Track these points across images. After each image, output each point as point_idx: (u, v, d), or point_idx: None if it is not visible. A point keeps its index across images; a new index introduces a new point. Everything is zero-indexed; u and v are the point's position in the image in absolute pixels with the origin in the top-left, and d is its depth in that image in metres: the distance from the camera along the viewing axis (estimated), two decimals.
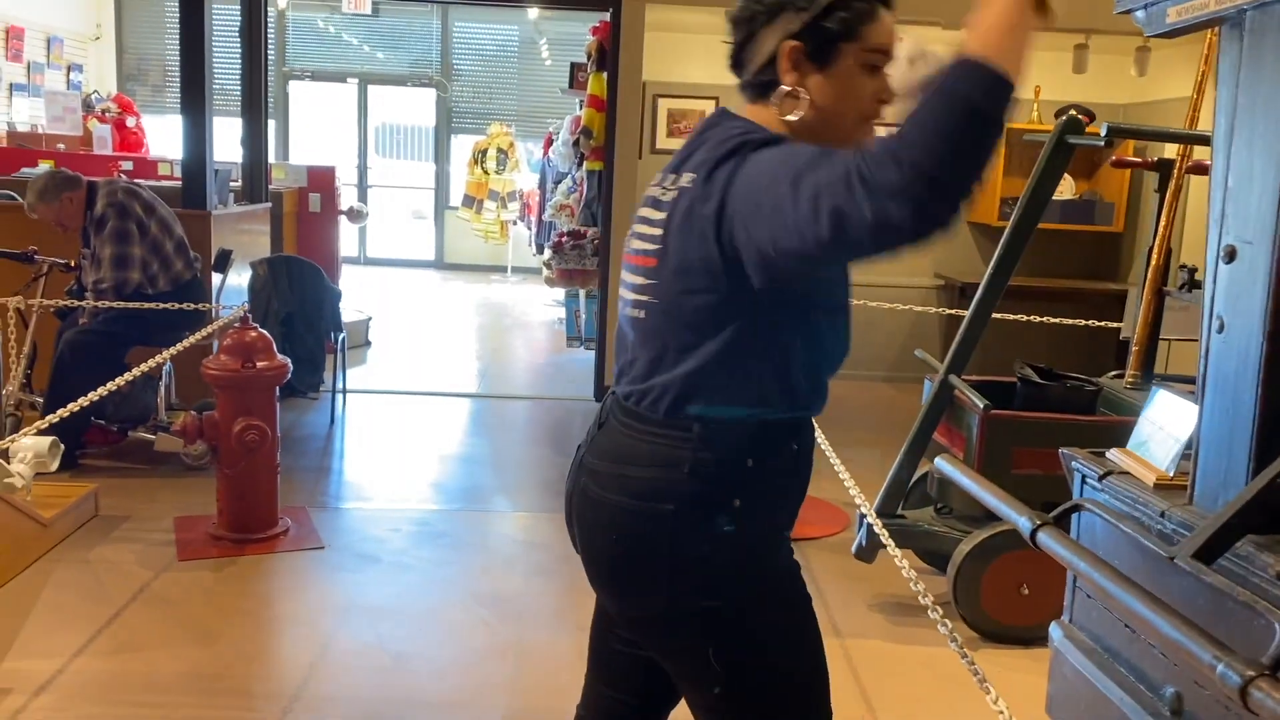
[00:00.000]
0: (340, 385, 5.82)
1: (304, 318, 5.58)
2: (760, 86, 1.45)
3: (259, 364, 3.89)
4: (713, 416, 1.42)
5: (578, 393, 6.56)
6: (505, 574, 3.82)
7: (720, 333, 1.38)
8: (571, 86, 7.67)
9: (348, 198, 9.01)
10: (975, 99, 1.10)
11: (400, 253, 12.88)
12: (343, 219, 8.32)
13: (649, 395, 1.45)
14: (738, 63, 1.49)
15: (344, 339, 5.89)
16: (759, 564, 1.47)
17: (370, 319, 7.93)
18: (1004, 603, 3.34)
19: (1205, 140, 3.27)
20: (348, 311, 6.46)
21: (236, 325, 4.01)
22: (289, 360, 4.04)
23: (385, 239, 12.88)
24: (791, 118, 1.42)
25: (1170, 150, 3.46)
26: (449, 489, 4.80)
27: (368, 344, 7.77)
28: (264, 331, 4.03)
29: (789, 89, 1.41)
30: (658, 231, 1.44)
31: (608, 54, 6.18)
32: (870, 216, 1.12)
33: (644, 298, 1.46)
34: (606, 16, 6.17)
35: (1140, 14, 1.71)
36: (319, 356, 5.73)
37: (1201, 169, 3.44)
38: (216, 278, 5.21)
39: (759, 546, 1.47)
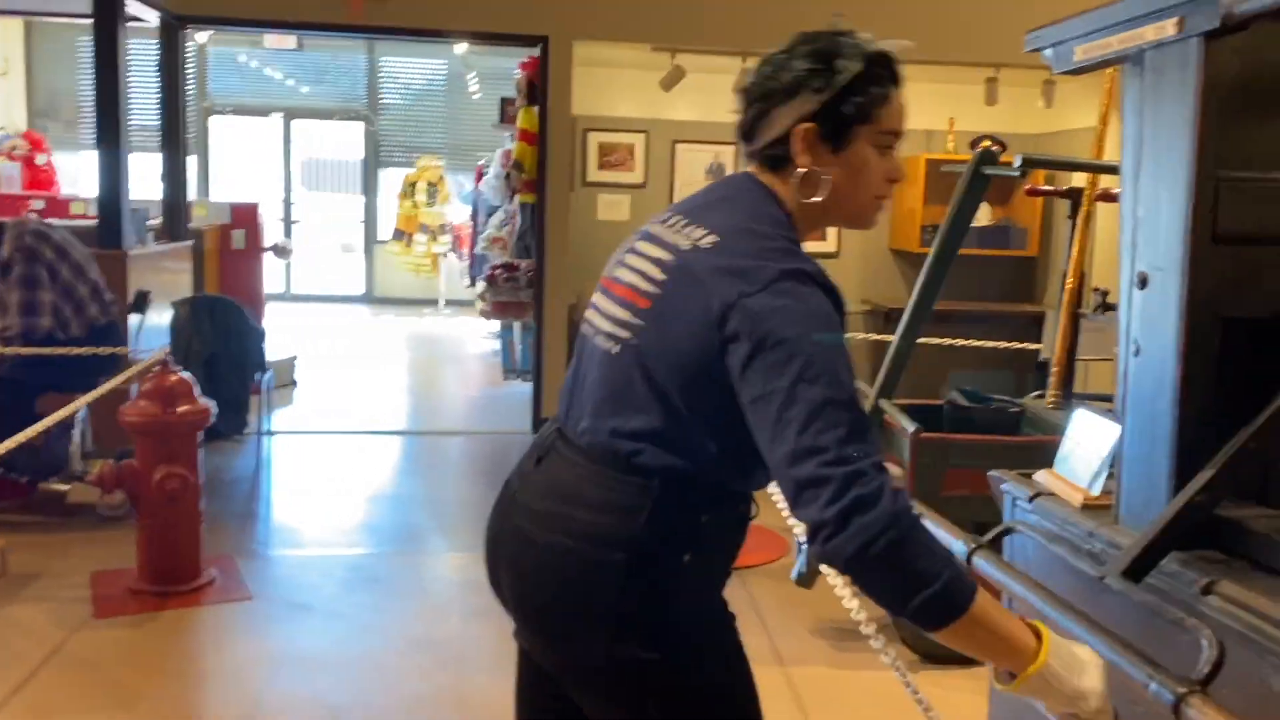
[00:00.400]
0: (266, 427, 5.71)
1: (227, 358, 5.47)
2: (772, 159, 1.46)
3: (180, 408, 3.79)
4: (676, 470, 1.38)
5: (515, 426, 6.51)
6: (442, 617, 3.77)
7: (694, 395, 1.36)
8: (502, 121, 7.69)
9: (273, 234, 8.87)
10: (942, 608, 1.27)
11: (328, 288, 12.71)
12: (268, 255, 8.19)
13: (608, 435, 1.42)
14: (748, 134, 1.49)
15: (270, 379, 5.79)
16: (701, 617, 1.45)
17: (296, 357, 7.80)
18: None
19: (1112, 170, 3.39)
20: (273, 350, 6.34)
21: (156, 369, 3.91)
22: (212, 403, 3.95)
23: (312, 274, 12.70)
24: (802, 197, 1.44)
25: (1080, 179, 3.59)
26: (382, 531, 4.72)
27: (294, 383, 7.63)
28: (185, 374, 3.94)
29: (806, 170, 1.42)
30: (660, 276, 1.40)
31: (537, 89, 6.21)
32: (815, 531, 1.23)
33: (624, 334, 1.42)
34: (535, 52, 6.20)
35: (1049, 52, 1.77)
36: (244, 398, 5.62)
37: (1109, 197, 3.58)
38: (134, 320, 5.09)
39: (702, 599, 1.46)
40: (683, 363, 1.35)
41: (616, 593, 1.37)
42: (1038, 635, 1.33)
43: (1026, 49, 1.79)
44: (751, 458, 1.34)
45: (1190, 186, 1.48)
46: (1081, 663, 1.33)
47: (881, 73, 1.42)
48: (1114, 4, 1.56)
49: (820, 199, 1.43)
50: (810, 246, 1.48)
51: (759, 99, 1.45)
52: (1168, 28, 1.42)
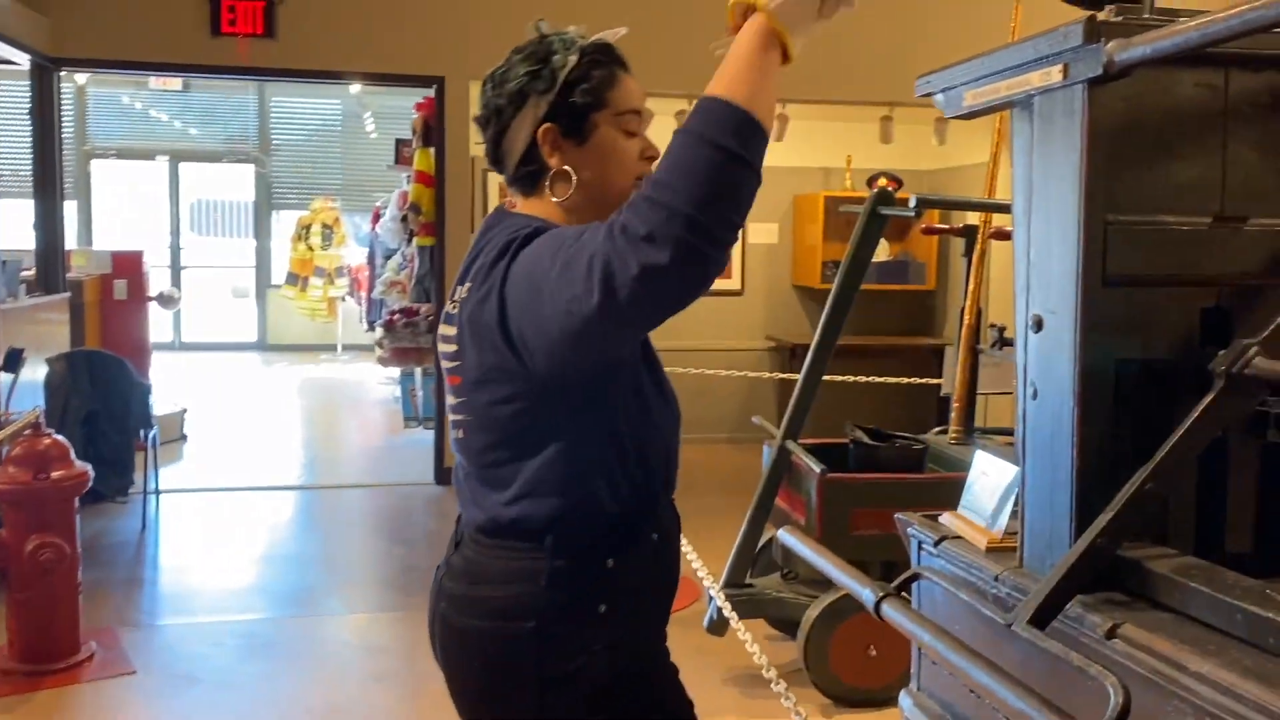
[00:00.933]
0: (152, 486, 5.45)
1: (109, 415, 5.22)
2: (528, 178, 1.45)
3: (54, 474, 3.57)
4: (561, 520, 1.37)
5: (418, 477, 6.34)
6: (341, 684, 3.60)
7: (541, 436, 1.35)
8: (397, 162, 7.57)
9: (158, 282, 8.55)
10: (722, 139, 1.14)
11: (219, 335, 12.32)
12: (153, 305, 7.88)
13: (489, 511, 1.42)
14: (496, 159, 1.49)
15: (155, 435, 5.53)
16: (635, 671, 1.41)
17: (185, 410, 7.51)
18: (854, 666, 3.37)
19: (1003, 209, 3.48)
20: (160, 404, 6.09)
21: (27, 433, 3.68)
22: (89, 467, 3.73)
23: (202, 321, 12.30)
24: (558, 199, 1.43)
25: (974, 216, 3.67)
26: (276, 594, 4.52)
27: (183, 438, 7.34)
28: (59, 437, 3.71)
29: (555, 170, 1.42)
30: (453, 348, 1.42)
31: (433, 130, 6.12)
32: (634, 265, 1.12)
33: (459, 416, 1.44)
34: (431, 92, 6.12)
35: (939, 97, 1.78)
36: (127, 457, 5.37)
37: (1003, 235, 3.65)
38: (5, 379, 4.81)
39: (633, 652, 1.41)
40: (505, 392, 1.35)
41: (535, 661, 1.37)
42: None
43: (918, 94, 1.80)
44: (624, 451, 1.38)
45: (1080, 230, 1.48)
46: None
47: (600, 59, 1.43)
48: (1001, 51, 1.57)
49: (573, 195, 1.42)
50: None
51: (492, 119, 1.46)
52: (1053, 74, 1.43)
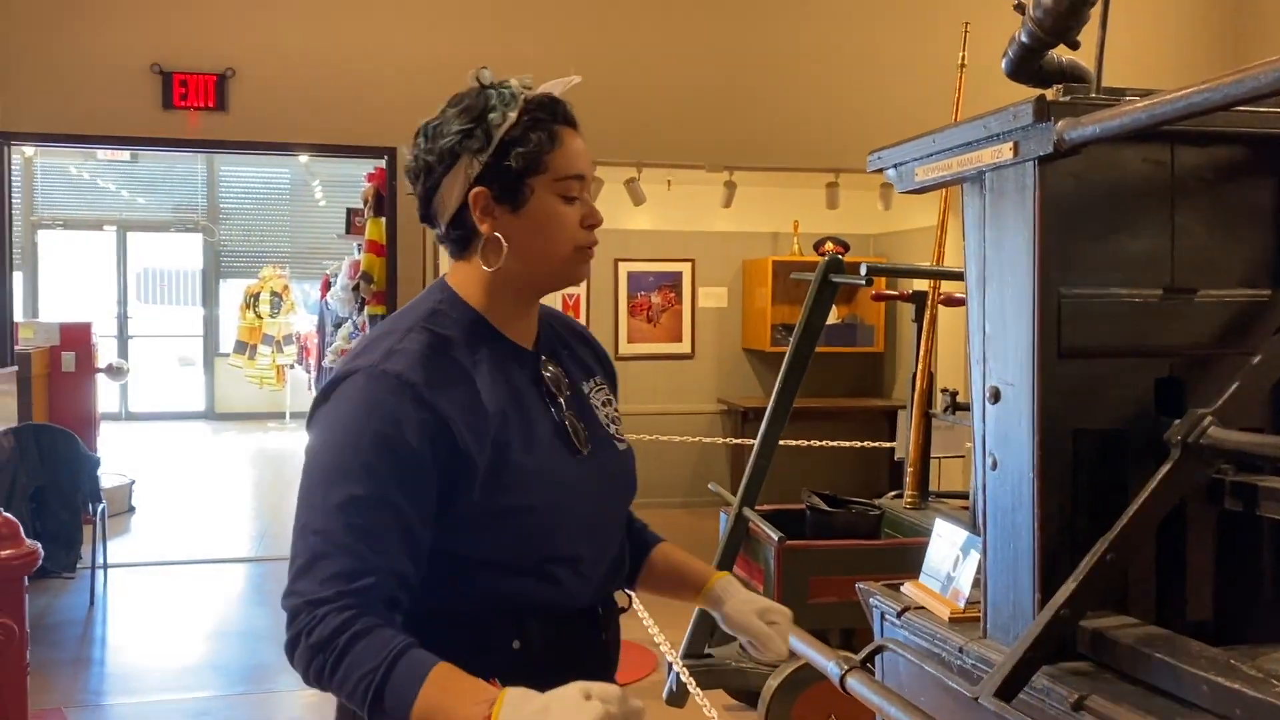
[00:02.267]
0: (101, 560, 5.29)
1: (57, 490, 5.09)
2: (459, 241, 1.35)
3: (3, 553, 3.43)
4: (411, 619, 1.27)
5: None
6: None
7: None
8: (348, 231, 7.54)
9: (106, 353, 8.40)
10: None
11: (167, 405, 12.10)
12: (101, 376, 7.73)
13: None
14: (426, 216, 1.37)
15: (103, 509, 5.39)
16: None
17: (134, 482, 7.34)
18: None
19: (953, 276, 3.54)
20: (108, 476, 5.94)
21: None
22: (39, 545, 3.60)
23: (150, 391, 12.08)
24: (489, 268, 1.32)
25: (922, 282, 3.73)
26: (229, 670, 4.39)
27: (131, 510, 7.16)
28: (8, 515, 3.58)
29: (486, 238, 1.32)
30: None
31: (385, 200, 6.12)
32: (287, 648, 1.20)
33: None
34: (382, 163, 6.13)
35: (891, 173, 1.81)
36: (75, 532, 5.22)
37: (952, 301, 3.71)
38: None
39: None
40: None
41: None
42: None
43: (869, 169, 1.83)
44: (440, 557, 1.27)
45: (1035, 303, 1.51)
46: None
47: (542, 116, 1.32)
48: (952, 129, 1.60)
49: (514, 263, 1.32)
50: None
51: (422, 174, 1.34)
52: (1004, 152, 1.46)
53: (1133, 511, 1.52)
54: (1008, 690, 1.57)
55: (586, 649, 1.37)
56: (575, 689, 1.09)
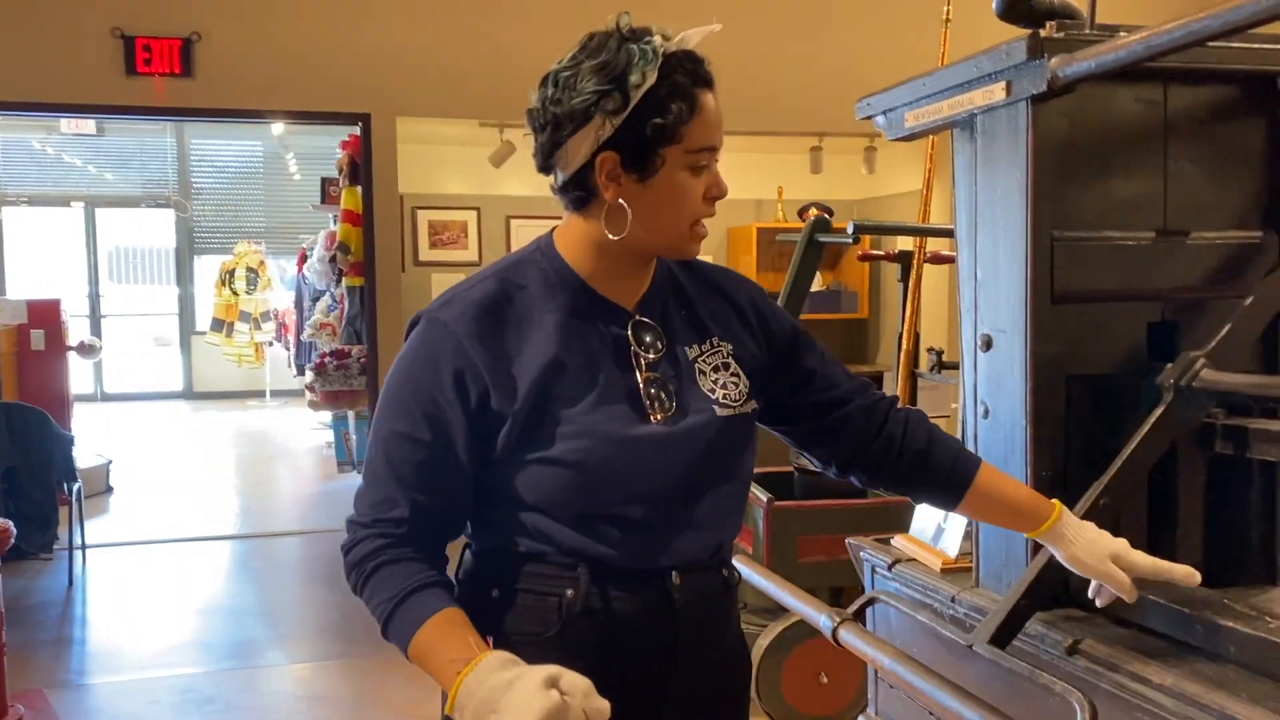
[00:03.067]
0: (78, 541, 5.23)
1: (29, 470, 5.02)
2: (577, 200, 1.30)
3: None
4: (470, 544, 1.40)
5: None
6: None
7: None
8: (324, 202, 7.46)
9: (77, 331, 8.29)
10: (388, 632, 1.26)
11: (143, 385, 11.97)
12: (72, 355, 7.64)
13: None
14: (544, 167, 1.32)
15: (79, 489, 5.32)
16: None
17: (110, 462, 7.25)
18: (805, 693, 3.34)
19: (941, 233, 3.53)
20: (83, 457, 5.87)
21: None
22: (10, 524, 3.56)
23: (125, 371, 11.95)
24: (612, 234, 1.28)
25: (909, 242, 3.71)
26: (214, 647, 4.35)
27: (109, 490, 7.08)
28: None
29: (609, 206, 1.26)
30: None
31: (360, 168, 6.04)
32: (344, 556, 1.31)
33: None
34: (357, 130, 6.05)
35: (880, 119, 1.79)
36: (50, 512, 5.17)
37: (939, 259, 3.70)
38: None
39: None
40: None
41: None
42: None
43: (858, 116, 1.80)
44: (493, 498, 1.32)
45: (1027, 247, 1.49)
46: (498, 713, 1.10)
47: (682, 81, 1.23)
48: (942, 71, 1.58)
49: (631, 228, 1.27)
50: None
51: (548, 127, 1.27)
52: (996, 92, 1.44)
53: (1125, 456, 1.52)
54: (1002, 637, 1.56)
55: (651, 612, 1.32)
56: (543, 673, 1.09)
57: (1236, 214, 1.57)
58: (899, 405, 1.52)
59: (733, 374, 1.38)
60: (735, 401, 1.37)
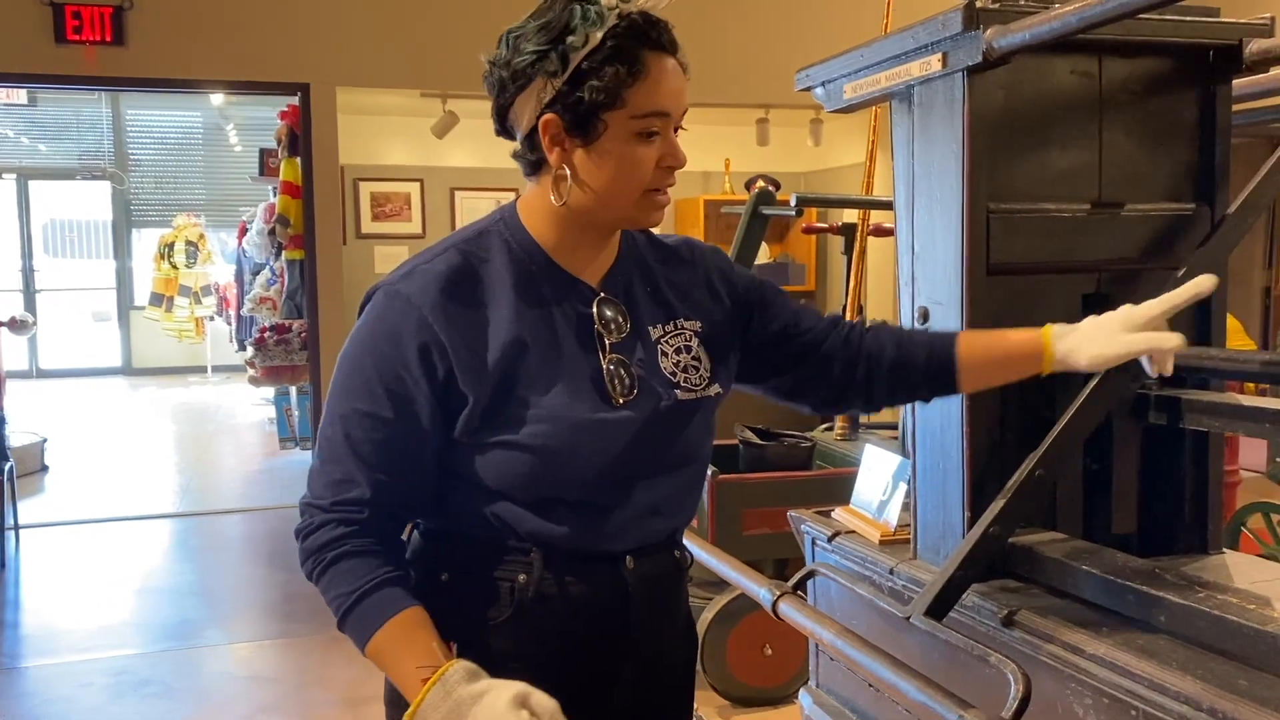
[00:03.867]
0: (11, 521, 5.10)
1: None
2: (530, 165, 1.27)
3: None
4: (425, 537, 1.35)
5: (295, 499, 6.03)
6: (225, 716, 3.42)
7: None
8: (263, 174, 7.30)
9: (10, 306, 8.07)
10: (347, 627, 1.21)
11: (80, 361, 11.70)
12: (4, 331, 7.43)
13: None
14: (502, 130, 1.29)
15: (12, 468, 5.19)
16: None
17: (45, 440, 7.09)
18: (750, 665, 3.36)
19: (883, 205, 3.54)
20: (16, 435, 5.72)
21: None
22: None
23: (61, 347, 11.66)
24: (556, 200, 1.25)
25: (852, 215, 3.72)
26: (151, 627, 4.28)
27: (44, 469, 6.92)
28: None
29: (555, 168, 1.23)
30: None
31: (299, 139, 5.91)
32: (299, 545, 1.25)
33: None
34: (296, 100, 5.91)
35: (819, 90, 1.77)
36: None
37: (881, 231, 3.71)
38: None
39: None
40: None
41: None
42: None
43: (797, 87, 1.78)
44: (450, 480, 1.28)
45: (963, 219, 1.49)
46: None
47: (628, 43, 1.18)
48: (880, 42, 1.56)
49: (581, 197, 1.23)
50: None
51: (496, 89, 1.25)
52: (933, 63, 1.43)
53: (1060, 427, 1.53)
54: (938, 609, 1.57)
55: (604, 596, 1.30)
56: (512, 690, 1.09)
57: (1170, 186, 1.58)
58: (865, 324, 1.50)
59: (694, 357, 1.35)
60: (696, 386, 1.34)
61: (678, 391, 1.32)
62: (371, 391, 1.21)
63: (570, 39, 1.17)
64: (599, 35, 1.17)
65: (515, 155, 1.29)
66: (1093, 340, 1.34)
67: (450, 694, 1.10)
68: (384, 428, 1.21)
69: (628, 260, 1.34)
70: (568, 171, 1.22)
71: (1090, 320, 1.35)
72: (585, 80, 1.18)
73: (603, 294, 1.30)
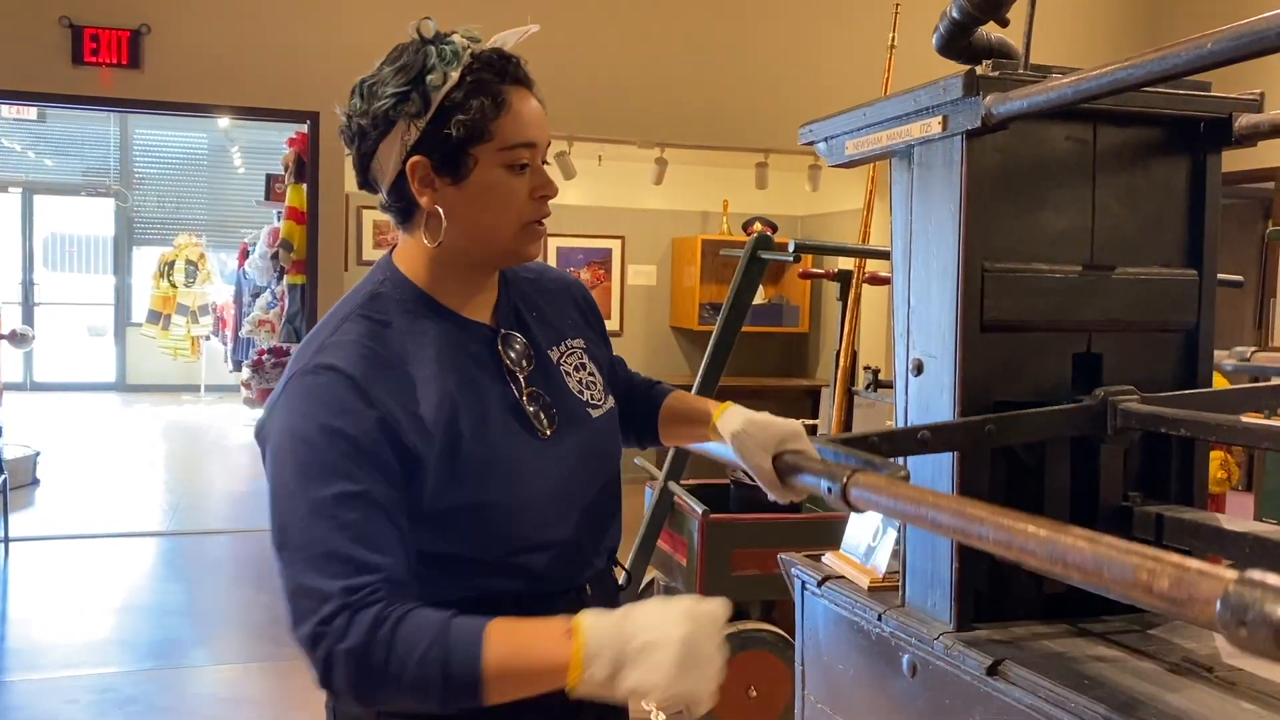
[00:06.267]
0: (1, 534, 5.10)
1: None
2: (400, 213, 1.26)
3: None
4: None
5: None
6: None
7: None
8: (268, 198, 7.37)
9: (9, 319, 8.09)
10: (449, 697, 1.08)
11: (75, 375, 11.71)
12: (3, 344, 7.45)
13: None
14: (365, 184, 1.28)
15: (4, 480, 5.19)
16: None
17: (38, 454, 7.09)
18: (734, 706, 3.36)
19: (879, 254, 3.59)
20: (10, 447, 5.73)
21: None
22: None
23: (57, 361, 11.67)
24: (430, 243, 1.23)
25: (849, 262, 3.77)
26: (137, 646, 4.28)
27: (35, 482, 6.92)
28: None
29: (427, 211, 1.22)
30: None
31: (307, 166, 5.98)
32: (313, 671, 1.14)
33: None
34: (304, 128, 5.99)
35: (822, 146, 1.82)
36: None
37: (877, 280, 3.77)
38: None
39: None
40: None
41: None
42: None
43: (800, 142, 1.83)
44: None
45: (959, 277, 1.53)
46: (645, 652, 1.02)
47: (488, 77, 1.20)
48: (882, 102, 1.62)
49: (457, 237, 1.22)
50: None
51: (356, 139, 1.24)
52: (933, 125, 1.48)
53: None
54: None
55: None
56: (686, 602, 1.06)
57: (1160, 251, 1.63)
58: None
59: (590, 373, 1.39)
60: (599, 401, 1.38)
61: (591, 410, 1.35)
62: (336, 470, 1.12)
63: (430, 78, 1.18)
64: (457, 73, 1.18)
65: (383, 206, 1.28)
66: (748, 439, 1.30)
67: (617, 621, 1.04)
68: (361, 501, 1.12)
69: (507, 291, 1.35)
70: (441, 212, 1.22)
71: (761, 418, 1.33)
72: (450, 116, 1.18)
73: (502, 330, 1.31)
